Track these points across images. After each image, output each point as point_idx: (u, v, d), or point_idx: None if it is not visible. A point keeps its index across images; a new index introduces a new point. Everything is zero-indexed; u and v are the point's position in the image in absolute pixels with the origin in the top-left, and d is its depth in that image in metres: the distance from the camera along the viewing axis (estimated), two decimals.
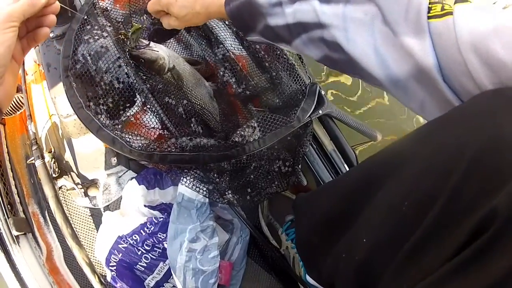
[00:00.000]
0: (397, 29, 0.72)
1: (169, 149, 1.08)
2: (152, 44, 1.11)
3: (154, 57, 1.12)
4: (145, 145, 1.08)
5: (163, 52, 1.13)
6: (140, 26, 1.13)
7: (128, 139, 1.08)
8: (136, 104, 1.17)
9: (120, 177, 1.45)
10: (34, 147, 1.40)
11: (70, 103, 1.08)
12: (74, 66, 1.12)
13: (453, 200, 0.62)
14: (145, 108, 1.17)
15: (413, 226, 0.67)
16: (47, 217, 1.48)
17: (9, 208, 1.42)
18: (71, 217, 1.47)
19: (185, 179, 1.16)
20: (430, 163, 0.68)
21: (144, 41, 1.11)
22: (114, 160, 1.37)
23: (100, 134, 1.07)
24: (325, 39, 0.83)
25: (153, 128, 1.16)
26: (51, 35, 1.30)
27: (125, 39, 1.15)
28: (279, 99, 1.20)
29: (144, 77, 1.13)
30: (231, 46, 1.28)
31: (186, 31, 1.30)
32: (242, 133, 1.10)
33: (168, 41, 1.32)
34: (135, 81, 1.13)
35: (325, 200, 0.97)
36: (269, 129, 1.10)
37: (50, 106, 1.47)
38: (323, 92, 1.20)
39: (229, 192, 1.17)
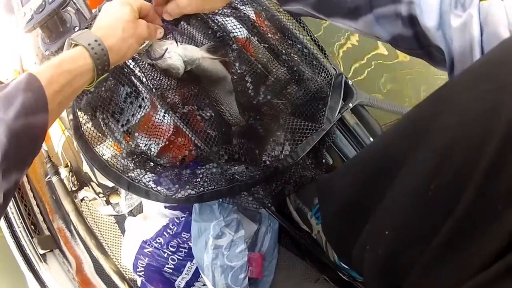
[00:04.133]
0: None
1: (202, 188, 0.93)
2: (167, 53, 0.89)
3: (164, 66, 0.91)
4: (177, 188, 0.94)
5: (177, 60, 0.91)
6: None
7: (160, 189, 0.94)
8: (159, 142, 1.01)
9: (139, 180, 1.25)
10: (48, 165, 1.26)
11: (92, 165, 0.95)
12: (86, 122, 0.97)
13: (490, 180, 0.44)
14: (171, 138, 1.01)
15: (442, 216, 0.48)
16: (73, 231, 1.31)
17: (33, 228, 1.26)
18: (97, 227, 1.31)
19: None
20: (456, 132, 0.49)
21: (158, 50, 0.88)
22: (131, 164, 1.16)
23: (133, 188, 0.94)
24: (402, 15, 0.67)
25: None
26: (47, 52, 1.11)
27: None
28: (302, 92, 0.99)
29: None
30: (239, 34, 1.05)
31: (186, 22, 1.07)
32: (272, 153, 0.92)
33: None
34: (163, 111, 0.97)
35: (344, 183, 0.80)
36: (300, 140, 0.91)
37: (62, 121, 1.29)
38: (350, 82, 0.99)
39: (269, 199, 0.99)
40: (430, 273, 0.52)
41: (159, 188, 0.94)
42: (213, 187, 0.91)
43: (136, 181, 0.94)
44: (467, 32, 0.59)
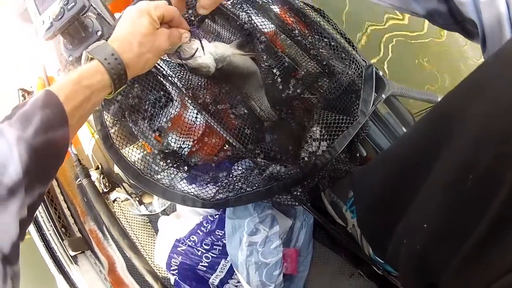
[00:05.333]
0: None
1: (241, 190, 0.89)
2: (197, 53, 0.85)
3: (194, 65, 0.88)
4: (214, 192, 0.91)
5: (208, 59, 0.88)
6: None
7: (196, 193, 0.91)
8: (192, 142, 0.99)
9: (172, 179, 1.23)
10: (78, 168, 1.22)
11: (126, 175, 0.92)
12: (114, 125, 0.94)
13: None
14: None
15: (480, 211, 0.45)
16: (106, 232, 1.28)
17: (63, 230, 1.23)
18: (130, 227, 1.29)
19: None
20: (488, 122, 0.45)
21: (188, 50, 0.85)
22: (163, 164, 1.14)
23: (168, 195, 0.91)
24: None
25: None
26: (70, 58, 1.09)
27: None
28: (333, 85, 0.94)
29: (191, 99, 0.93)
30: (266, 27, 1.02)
31: (211, 20, 1.05)
32: (309, 149, 0.87)
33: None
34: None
35: (378, 178, 0.78)
36: (336, 134, 0.87)
37: (91, 124, 1.27)
38: (381, 73, 0.95)
39: (305, 195, 0.96)
40: (466, 271, 0.50)
41: (195, 192, 0.91)
42: (251, 189, 0.88)
43: (172, 187, 0.91)
44: (493, 7, 0.58)
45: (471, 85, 0.53)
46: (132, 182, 0.91)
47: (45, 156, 0.58)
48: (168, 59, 0.96)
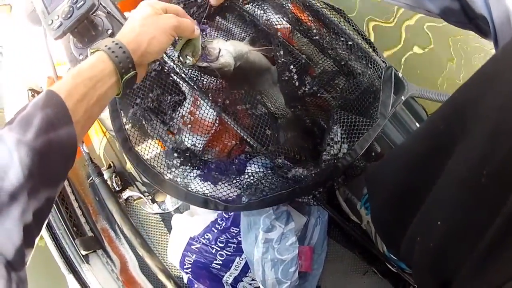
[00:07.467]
0: None
1: (263, 193, 0.88)
2: (220, 53, 0.85)
3: (217, 66, 0.88)
4: (235, 195, 0.89)
5: (228, 58, 0.87)
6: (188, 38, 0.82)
7: (218, 195, 0.89)
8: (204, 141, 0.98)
9: (185, 177, 1.21)
10: (90, 167, 1.20)
11: (147, 180, 0.90)
12: (133, 133, 0.92)
13: None
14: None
15: (495, 207, 0.44)
16: (118, 230, 1.27)
17: (75, 230, 1.21)
18: (142, 226, 1.27)
19: None
20: (502, 115, 0.44)
21: (213, 51, 0.85)
22: (177, 161, 1.13)
23: (189, 198, 0.90)
24: None
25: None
26: (80, 57, 1.07)
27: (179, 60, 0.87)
28: (352, 86, 0.93)
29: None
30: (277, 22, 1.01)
31: (222, 17, 1.04)
32: (331, 152, 0.86)
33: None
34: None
35: (392, 173, 0.77)
36: (356, 137, 0.86)
37: (103, 122, 1.26)
38: (400, 75, 0.94)
39: (323, 195, 0.94)
40: (481, 269, 0.48)
41: (217, 195, 0.89)
42: (273, 192, 0.87)
43: (194, 191, 0.89)
44: (501, 3, 0.58)
45: (483, 79, 0.52)
46: (154, 186, 0.89)
47: (49, 157, 0.56)
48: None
